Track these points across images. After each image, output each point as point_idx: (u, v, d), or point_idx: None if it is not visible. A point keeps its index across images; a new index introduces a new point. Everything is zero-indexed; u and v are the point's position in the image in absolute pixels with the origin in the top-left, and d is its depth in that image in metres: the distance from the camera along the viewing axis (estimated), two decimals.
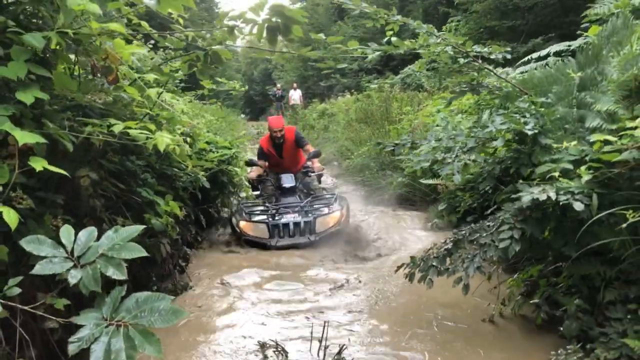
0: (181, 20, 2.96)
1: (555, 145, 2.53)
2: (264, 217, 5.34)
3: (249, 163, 6.38)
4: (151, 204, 3.78)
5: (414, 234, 5.67)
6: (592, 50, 2.89)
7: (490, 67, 3.30)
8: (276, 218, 5.28)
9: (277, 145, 6.16)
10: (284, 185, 5.87)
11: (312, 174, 6.14)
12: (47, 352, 2.50)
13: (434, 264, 2.97)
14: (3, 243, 2.00)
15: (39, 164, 1.89)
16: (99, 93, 2.43)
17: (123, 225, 3.11)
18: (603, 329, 2.53)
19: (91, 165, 2.68)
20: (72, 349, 1.47)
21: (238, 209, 5.60)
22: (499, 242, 2.68)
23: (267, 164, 6.30)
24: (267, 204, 5.63)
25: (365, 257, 4.87)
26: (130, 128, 2.37)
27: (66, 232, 1.68)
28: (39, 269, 1.56)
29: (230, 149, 6.29)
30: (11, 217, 1.77)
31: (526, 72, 3.43)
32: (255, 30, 2.96)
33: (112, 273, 1.60)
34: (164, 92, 3.88)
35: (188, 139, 4.84)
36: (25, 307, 1.66)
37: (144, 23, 2.92)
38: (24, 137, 1.83)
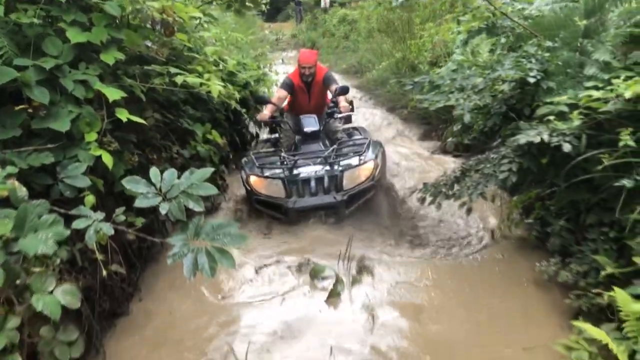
0: None
1: (556, 99, 2.88)
2: (280, 171, 4.31)
3: (259, 100, 5.16)
4: (192, 132, 4.25)
5: None
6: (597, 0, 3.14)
7: (505, 11, 3.55)
8: (294, 172, 4.26)
9: (307, 84, 5.14)
10: (305, 130, 4.77)
11: (339, 115, 4.94)
12: (125, 259, 3.13)
13: (443, 190, 3.46)
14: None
15: (123, 115, 2.36)
16: (161, 48, 2.82)
17: (177, 153, 3.64)
18: (581, 247, 3.04)
19: (150, 103, 3.14)
20: (169, 262, 2.01)
21: (248, 160, 4.53)
22: (500, 174, 3.14)
23: (286, 99, 5.24)
24: (282, 154, 4.55)
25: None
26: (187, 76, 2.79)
27: (154, 173, 2.16)
28: (138, 202, 2.07)
29: (257, 69, 6.64)
30: (108, 159, 2.27)
31: (540, 12, 3.64)
32: None
33: (193, 206, 2.10)
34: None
35: (220, 64, 5.21)
36: (129, 230, 2.19)
37: None
38: (113, 94, 2.29)
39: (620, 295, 2.23)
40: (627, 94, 2.43)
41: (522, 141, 2.84)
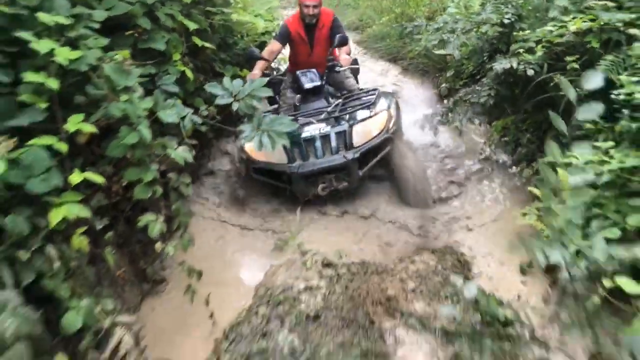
0: None
1: (520, 34, 3.70)
2: None
3: (248, 55, 4.38)
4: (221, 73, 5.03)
5: None
6: None
7: None
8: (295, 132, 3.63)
9: (309, 29, 4.42)
10: (305, 86, 4.18)
11: (340, 69, 4.36)
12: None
13: (439, 118, 4.32)
14: None
15: (199, 41, 3.17)
16: None
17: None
18: (541, 154, 3.92)
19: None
20: (242, 142, 2.87)
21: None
22: (481, 99, 3.99)
23: (278, 53, 4.63)
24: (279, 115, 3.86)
25: None
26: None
27: (227, 81, 2.99)
28: (219, 100, 2.90)
29: (272, 21, 7.36)
30: (190, 74, 3.10)
31: None
32: None
33: (256, 104, 2.94)
34: None
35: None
36: (212, 122, 3.02)
37: None
38: (191, 24, 3.09)
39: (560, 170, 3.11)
40: (572, 28, 3.26)
41: (498, 68, 3.67)
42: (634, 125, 2.65)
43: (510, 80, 4.00)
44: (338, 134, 3.69)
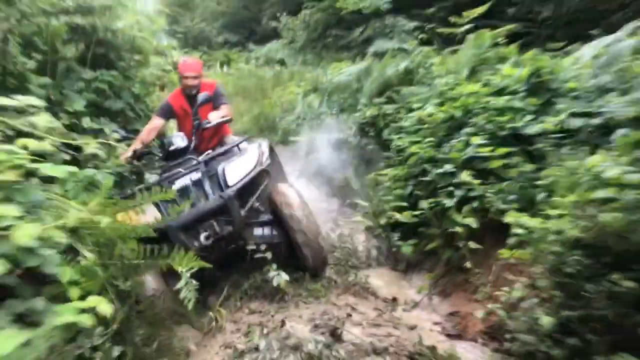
0: None
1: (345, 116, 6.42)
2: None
3: (122, 140, 4.12)
4: None
5: None
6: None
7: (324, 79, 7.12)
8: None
9: (191, 101, 4.31)
10: (170, 149, 3.96)
11: (208, 125, 4.05)
12: None
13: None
14: None
15: None
16: None
17: None
18: None
19: None
20: None
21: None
22: None
23: (157, 129, 4.37)
24: (145, 177, 3.95)
25: None
26: None
27: None
28: None
29: None
30: None
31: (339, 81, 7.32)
32: None
33: None
34: None
35: None
36: None
37: None
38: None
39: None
40: (368, 114, 6.00)
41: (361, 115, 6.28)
42: (397, 158, 5.31)
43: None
44: (211, 177, 3.62)
